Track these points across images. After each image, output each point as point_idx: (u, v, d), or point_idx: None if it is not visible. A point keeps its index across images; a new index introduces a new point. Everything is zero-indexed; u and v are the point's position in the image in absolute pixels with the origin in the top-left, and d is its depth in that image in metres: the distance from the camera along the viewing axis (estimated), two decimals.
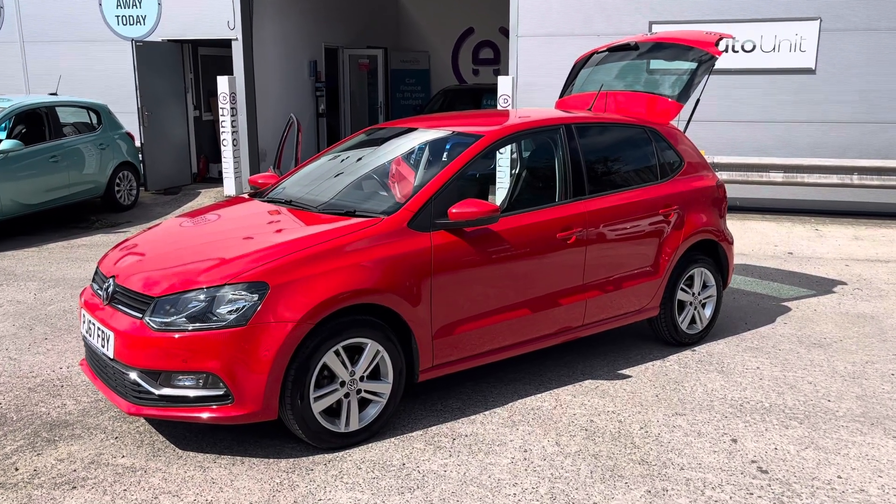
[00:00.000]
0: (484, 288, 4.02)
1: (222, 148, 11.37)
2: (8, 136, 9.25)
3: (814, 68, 9.42)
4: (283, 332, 3.35)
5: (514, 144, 4.30)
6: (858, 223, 9.24)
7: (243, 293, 3.38)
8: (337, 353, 3.55)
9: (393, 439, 3.75)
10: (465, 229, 3.92)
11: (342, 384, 3.60)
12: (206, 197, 11.40)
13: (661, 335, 5.06)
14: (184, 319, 3.37)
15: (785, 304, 6.13)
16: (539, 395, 4.29)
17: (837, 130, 9.47)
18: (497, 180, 4.23)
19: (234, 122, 11.33)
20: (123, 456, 3.57)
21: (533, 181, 4.47)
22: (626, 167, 4.87)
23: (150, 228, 4.42)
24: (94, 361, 3.81)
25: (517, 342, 4.23)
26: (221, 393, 3.37)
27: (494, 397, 4.27)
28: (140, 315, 3.46)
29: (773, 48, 9.52)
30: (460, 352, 4.00)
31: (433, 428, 3.88)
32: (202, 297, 3.38)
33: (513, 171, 4.27)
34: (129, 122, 11.24)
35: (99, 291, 3.84)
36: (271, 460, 3.54)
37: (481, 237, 3.97)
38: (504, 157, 4.23)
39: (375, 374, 3.73)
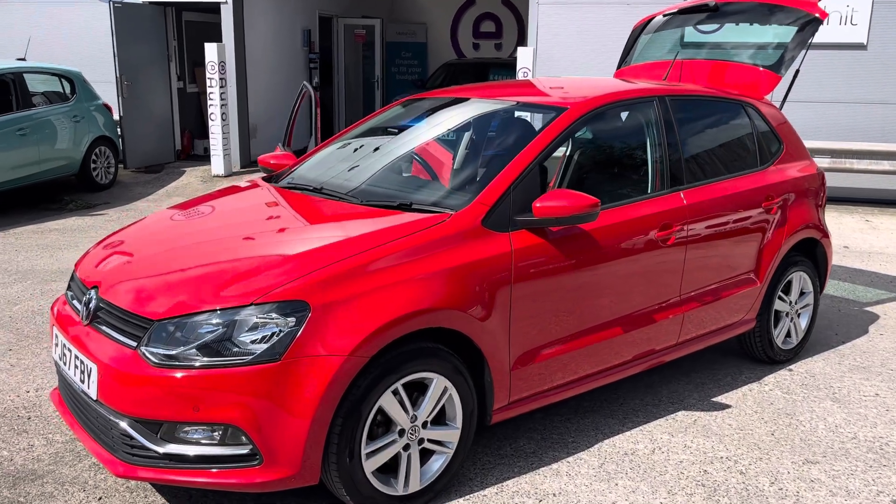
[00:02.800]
0: (571, 304, 3.16)
1: (209, 122, 10.35)
2: None
3: (865, 43, 8.62)
4: (329, 370, 2.48)
5: (600, 120, 3.43)
6: None
7: (275, 316, 2.49)
8: (395, 393, 2.69)
9: (461, 501, 2.90)
10: (550, 229, 3.05)
11: (401, 433, 2.74)
12: (191, 176, 10.39)
13: (752, 351, 4.25)
14: (194, 351, 2.47)
15: (868, 309, 5.36)
16: (628, 434, 3.46)
17: (891, 112, 8.68)
18: (568, 165, 3.38)
19: (223, 94, 10.31)
20: None
21: (619, 167, 3.62)
22: (724, 151, 4.02)
23: (140, 221, 3.49)
24: (71, 396, 2.91)
25: (606, 368, 3.39)
26: (246, 452, 2.49)
27: (573, 436, 3.43)
28: (133, 343, 2.56)
29: None
30: (541, 384, 3.15)
31: (510, 483, 3.03)
32: (218, 320, 2.49)
33: (591, 154, 3.37)
34: (106, 92, 10.16)
35: (77, 305, 2.93)
36: None
37: (567, 238, 3.11)
38: (582, 136, 3.38)
39: (440, 418, 2.87)
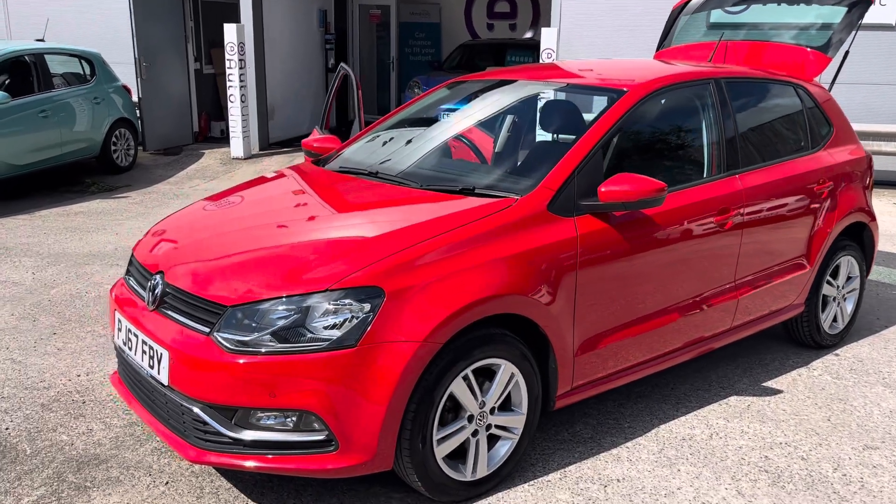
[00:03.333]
0: (632, 289, 3.14)
1: (229, 104, 10.30)
2: None
3: (894, 24, 8.52)
4: (404, 356, 2.46)
5: (657, 102, 3.38)
6: None
7: (350, 302, 2.47)
8: (465, 380, 2.67)
9: (527, 486, 2.90)
10: (613, 213, 3.02)
11: (470, 419, 2.73)
12: (210, 159, 10.36)
13: (799, 336, 4.23)
14: (268, 337, 2.46)
15: None
16: (683, 419, 3.45)
17: None
18: (624, 148, 3.31)
19: (243, 75, 10.24)
20: None
21: (676, 150, 3.58)
22: (777, 134, 3.98)
23: (196, 204, 3.46)
24: (134, 381, 2.90)
25: (663, 354, 3.37)
26: (322, 438, 2.48)
27: (629, 421, 3.42)
28: (206, 329, 2.54)
29: None
30: (602, 370, 3.14)
31: (572, 468, 3.03)
32: (293, 306, 2.47)
33: (647, 137, 3.33)
34: (123, 73, 10.10)
35: (139, 290, 2.91)
36: None
37: (629, 223, 3.08)
38: (639, 118, 3.33)
39: (506, 404, 2.86)
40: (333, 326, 2.46)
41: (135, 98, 10.04)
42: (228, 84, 10.26)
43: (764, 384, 3.84)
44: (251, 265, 2.67)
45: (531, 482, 2.92)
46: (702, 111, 3.56)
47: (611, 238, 3.00)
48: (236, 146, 10.37)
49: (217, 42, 11.77)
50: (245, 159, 10.35)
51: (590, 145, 3.05)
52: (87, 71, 9.20)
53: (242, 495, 2.79)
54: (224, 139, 11.51)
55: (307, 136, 12.50)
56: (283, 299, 2.48)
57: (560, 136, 3.69)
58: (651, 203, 2.93)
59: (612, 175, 3.00)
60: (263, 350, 2.44)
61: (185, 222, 3.20)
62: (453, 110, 3.96)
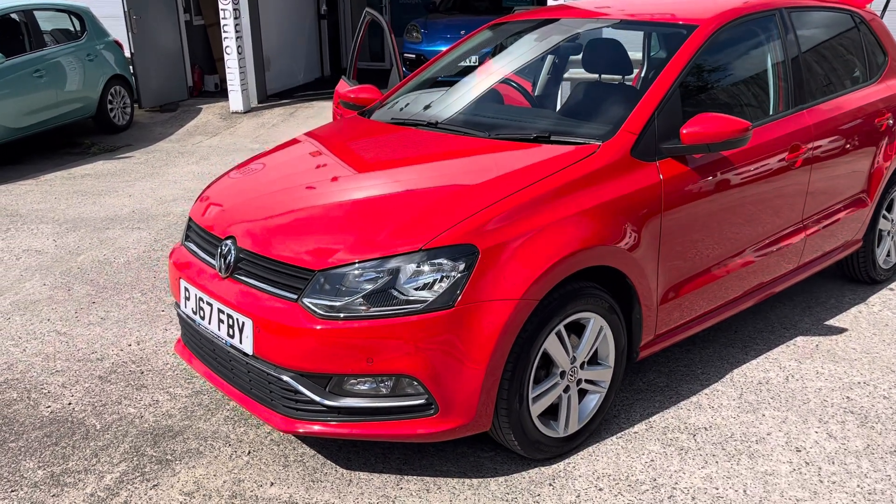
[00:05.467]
0: (712, 233, 3.05)
1: (225, 56, 9.95)
2: None
3: None
4: (502, 314, 2.37)
5: (726, 36, 3.23)
6: None
7: (444, 262, 2.36)
8: (558, 336, 2.59)
9: (616, 439, 2.85)
10: (693, 156, 2.91)
11: (562, 375, 2.65)
12: (209, 114, 10.06)
13: (854, 272, 4.18)
14: (360, 300, 2.35)
15: None
16: (755, 362, 3.40)
17: None
18: (692, 86, 3.15)
19: (238, 25, 9.87)
20: (272, 483, 2.61)
21: (745, 86, 3.44)
22: (838, 65, 3.84)
23: (252, 161, 3.29)
24: (207, 350, 2.79)
25: (737, 297, 3.30)
26: (421, 402, 2.40)
27: (701, 367, 3.37)
28: (293, 295, 2.42)
29: None
30: (681, 317, 3.07)
31: (655, 418, 2.98)
32: (385, 267, 2.36)
33: (715, 74, 3.20)
34: (112, 28, 9.69)
35: (206, 257, 2.78)
36: (474, 481, 2.61)
37: (709, 165, 2.96)
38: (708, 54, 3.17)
39: (593, 358, 2.79)
40: (426, 287, 2.35)
41: (127, 53, 9.67)
42: (223, 35, 9.90)
43: (826, 322, 3.80)
44: (331, 226, 2.54)
45: (618, 434, 2.87)
46: (770, 44, 3.42)
47: (692, 181, 2.89)
48: (235, 100, 10.06)
49: None
50: (245, 113, 10.06)
51: (667, 84, 2.91)
52: (77, 27, 8.82)
53: (329, 461, 2.72)
54: (219, 93, 11.18)
55: (303, 86, 12.11)
56: (374, 262, 2.36)
57: (615, 75, 3.55)
58: (736, 143, 2.82)
59: (686, 116, 2.88)
60: (358, 315, 2.33)
61: (243, 183, 3.05)
62: (503, 53, 3.78)
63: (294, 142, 3.43)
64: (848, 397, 3.12)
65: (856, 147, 3.72)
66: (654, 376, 3.30)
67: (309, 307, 2.38)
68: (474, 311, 2.35)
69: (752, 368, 3.36)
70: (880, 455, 2.73)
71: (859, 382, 3.23)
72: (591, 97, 3.22)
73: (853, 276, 4.21)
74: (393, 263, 2.36)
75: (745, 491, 2.55)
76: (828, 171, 3.56)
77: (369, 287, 2.36)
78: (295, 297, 2.41)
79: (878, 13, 4.29)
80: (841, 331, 3.71)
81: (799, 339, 3.63)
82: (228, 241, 2.66)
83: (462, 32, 10.86)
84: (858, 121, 3.72)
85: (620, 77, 3.71)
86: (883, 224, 4.14)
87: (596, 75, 3.66)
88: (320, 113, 10.02)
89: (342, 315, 2.34)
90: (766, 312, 3.91)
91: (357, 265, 2.37)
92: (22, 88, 7.70)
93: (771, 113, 3.36)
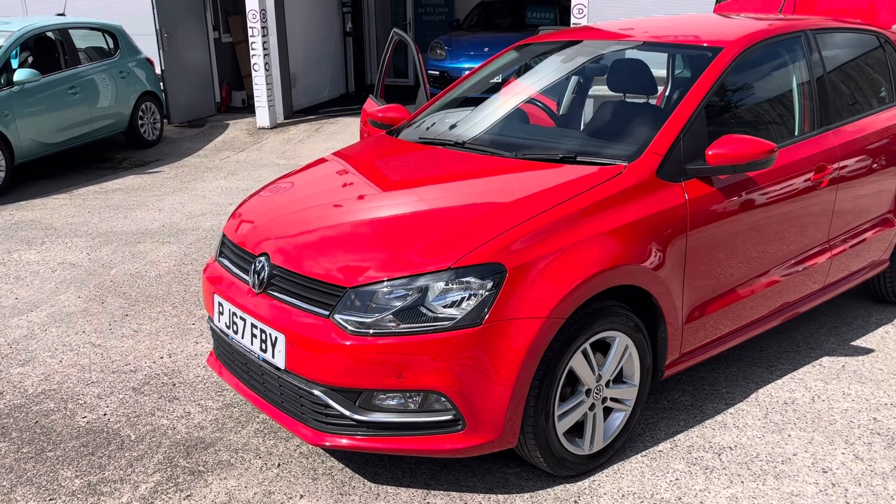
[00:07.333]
0: (737, 254, 3.07)
1: (253, 73, 10.14)
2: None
3: None
4: (529, 333, 2.41)
5: (752, 58, 3.26)
6: None
7: (472, 280, 2.41)
8: (584, 354, 2.62)
9: (641, 457, 2.87)
10: (718, 176, 2.94)
11: (587, 393, 2.69)
12: (236, 129, 10.23)
13: (880, 292, 4.16)
14: (390, 317, 2.40)
15: None
16: (780, 382, 3.41)
17: None
18: (718, 108, 3.17)
19: (266, 43, 10.07)
20: (301, 496, 2.67)
21: (770, 107, 3.47)
22: (864, 86, 3.85)
23: (283, 178, 3.37)
24: (239, 364, 2.86)
25: (761, 317, 3.31)
26: (449, 418, 2.45)
27: (726, 386, 3.38)
28: (325, 311, 2.48)
29: None
30: (706, 336, 3.09)
31: (680, 437, 3.00)
32: (415, 285, 2.41)
33: (740, 95, 3.23)
34: (144, 45, 9.92)
35: (239, 273, 2.85)
36: (500, 497, 2.65)
37: (734, 186, 2.99)
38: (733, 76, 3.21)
39: (618, 377, 2.82)
40: (454, 304, 2.40)
41: (157, 70, 9.88)
42: (252, 52, 10.09)
43: (853, 343, 3.79)
44: (362, 244, 2.60)
45: (643, 453, 2.89)
46: (796, 66, 3.45)
47: (718, 202, 2.92)
48: (262, 116, 10.24)
49: (234, 10, 11.57)
50: (271, 129, 10.23)
51: (693, 105, 2.95)
52: (111, 45, 9.04)
53: (357, 475, 2.77)
54: (246, 109, 11.38)
55: (328, 102, 12.29)
56: (404, 279, 2.42)
57: (639, 95, 3.59)
58: (762, 165, 2.84)
59: (711, 137, 2.91)
60: (387, 331, 2.39)
61: (275, 201, 3.13)
62: (528, 74, 3.84)
63: (323, 160, 3.51)
64: (875, 418, 3.11)
65: (882, 167, 3.73)
66: (678, 395, 3.32)
67: (340, 323, 2.44)
68: (502, 329, 2.40)
69: (777, 388, 3.36)
70: None
71: (886, 404, 3.22)
72: (617, 117, 3.26)
73: (880, 297, 4.20)
74: (422, 281, 2.41)
75: None
76: (854, 191, 3.57)
77: (399, 304, 2.42)
78: (327, 313, 2.47)
79: None
80: (868, 351, 3.70)
81: (825, 359, 3.63)
82: (262, 258, 2.73)
83: (486, 49, 10.97)
84: (884, 141, 3.73)
85: (645, 97, 3.75)
86: None
87: (620, 94, 3.71)
88: (345, 129, 10.16)
89: (372, 331, 2.40)
90: (792, 332, 3.91)
91: (387, 283, 2.43)
92: (57, 105, 7.90)
93: (796, 134, 3.38)
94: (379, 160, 3.38)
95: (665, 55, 3.67)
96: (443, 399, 2.42)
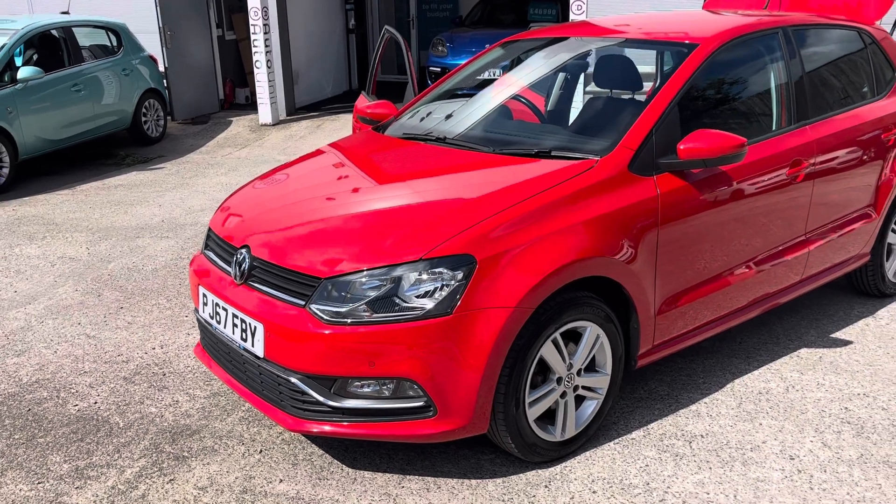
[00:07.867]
0: (710, 246, 3.13)
1: (255, 70, 10.23)
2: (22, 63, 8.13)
3: None
4: (498, 322, 2.48)
5: (728, 55, 3.32)
6: None
7: (443, 271, 2.48)
8: (554, 343, 2.70)
9: (613, 444, 2.94)
10: (691, 171, 3.00)
11: (558, 381, 2.76)
12: (239, 126, 10.34)
13: (862, 285, 4.21)
14: (364, 307, 2.48)
15: None
16: (757, 373, 3.47)
17: None
18: (695, 103, 3.22)
19: (267, 40, 10.16)
20: (281, 480, 2.76)
21: (747, 103, 3.52)
22: (844, 81, 3.90)
23: (269, 174, 3.46)
24: (222, 353, 2.96)
25: (735, 310, 3.37)
26: (420, 404, 2.53)
27: (703, 377, 3.45)
28: (300, 301, 2.57)
29: None
30: (680, 328, 3.15)
31: (653, 426, 3.07)
32: (387, 276, 2.49)
33: (717, 91, 3.29)
34: (147, 43, 10.02)
35: (222, 265, 2.94)
36: (473, 481, 2.73)
37: (707, 180, 3.05)
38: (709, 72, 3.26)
39: (590, 366, 2.89)
40: (426, 295, 2.48)
41: (161, 68, 10.00)
42: (254, 49, 10.19)
43: (832, 335, 3.84)
44: (338, 236, 2.68)
45: (616, 440, 2.96)
46: (772, 62, 3.50)
47: (690, 196, 2.99)
48: (264, 113, 10.34)
49: (237, 7, 11.66)
50: (273, 125, 10.33)
51: (666, 102, 3.01)
52: (114, 42, 9.16)
53: (336, 461, 2.85)
54: (249, 106, 11.48)
55: (331, 99, 12.34)
56: (377, 270, 2.50)
57: (616, 91, 3.66)
58: (732, 159, 2.91)
59: (685, 132, 2.97)
60: (361, 320, 2.47)
61: (260, 195, 3.22)
62: (512, 70, 3.91)
63: (308, 156, 3.59)
64: (846, 408, 3.17)
65: (862, 162, 3.77)
66: (655, 385, 3.39)
67: (316, 313, 2.52)
68: (471, 318, 2.47)
69: (753, 378, 3.42)
70: (873, 465, 2.79)
71: (859, 394, 3.27)
72: (598, 113, 3.33)
73: (862, 290, 4.25)
74: (395, 272, 2.49)
75: (735, 496, 2.63)
76: (831, 185, 3.62)
77: (373, 294, 2.50)
78: (303, 303, 2.56)
79: (888, 30, 4.34)
80: (846, 343, 3.75)
81: (803, 350, 3.69)
82: (243, 250, 2.82)
83: (487, 46, 11.04)
84: (865, 136, 3.78)
85: (631, 92, 3.81)
86: (891, 238, 4.18)
87: (607, 90, 3.78)
88: (346, 125, 10.24)
89: (348, 321, 2.48)
90: (773, 324, 3.96)
91: (360, 273, 2.51)
92: (60, 102, 8.03)
93: (773, 129, 3.43)
94: (363, 156, 3.46)
95: (653, 52, 3.73)
96: (415, 386, 2.50)
